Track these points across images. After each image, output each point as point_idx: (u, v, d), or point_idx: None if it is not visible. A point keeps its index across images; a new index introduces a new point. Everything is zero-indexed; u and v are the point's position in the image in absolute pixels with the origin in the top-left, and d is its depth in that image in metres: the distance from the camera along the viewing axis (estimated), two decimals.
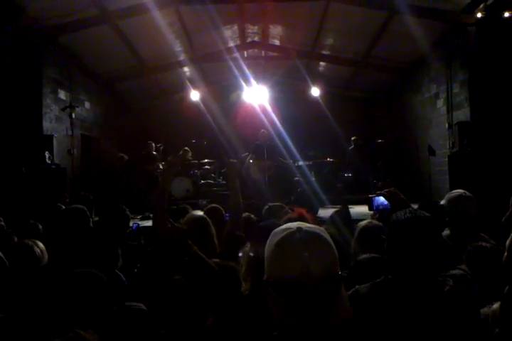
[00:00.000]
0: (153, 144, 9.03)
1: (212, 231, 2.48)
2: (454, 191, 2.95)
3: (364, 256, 2.34)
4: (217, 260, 2.32)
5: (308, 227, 1.11)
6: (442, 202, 3.02)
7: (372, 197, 2.07)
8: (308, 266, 1.02)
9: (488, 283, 2.17)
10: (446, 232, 2.90)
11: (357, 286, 1.68)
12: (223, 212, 3.59)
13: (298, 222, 1.15)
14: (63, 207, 4.28)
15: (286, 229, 1.11)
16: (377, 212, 2.04)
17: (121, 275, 2.45)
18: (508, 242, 2.14)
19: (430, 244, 1.60)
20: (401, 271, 1.61)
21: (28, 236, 3.30)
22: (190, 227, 2.43)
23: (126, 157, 9.59)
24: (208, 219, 2.56)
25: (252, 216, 3.54)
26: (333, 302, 1.04)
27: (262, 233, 1.84)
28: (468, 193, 2.87)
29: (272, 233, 1.13)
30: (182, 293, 2.14)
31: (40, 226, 3.68)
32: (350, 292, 1.66)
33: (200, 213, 2.62)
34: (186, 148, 10.22)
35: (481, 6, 7.01)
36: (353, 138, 10.81)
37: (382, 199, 2.04)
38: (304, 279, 1.02)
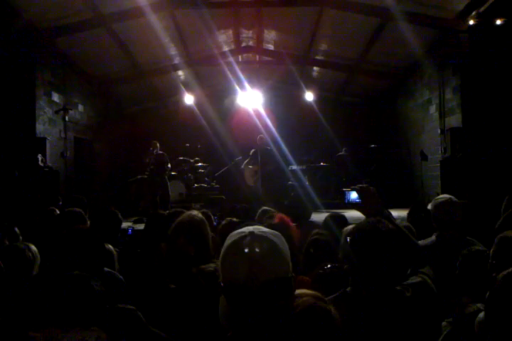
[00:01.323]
0: (158, 144, 8.98)
1: (209, 232, 2.49)
2: (440, 196, 2.95)
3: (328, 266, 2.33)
4: (213, 265, 2.32)
5: (262, 232, 1.12)
6: (429, 208, 3.02)
7: (345, 191, 2.10)
8: (253, 270, 1.03)
9: (482, 286, 2.19)
10: (433, 237, 2.91)
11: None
12: (212, 217, 3.61)
13: (255, 226, 1.16)
14: (57, 210, 4.26)
15: (240, 232, 1.13)
16: (349, 205, 2.07)
17: (121, 277, 2.45)
18: (492, 250, 2.17)
19: (389, 257, 1.58)
20: (360, 281, 1.61)
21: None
22: (188, 227, 2.44)
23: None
24: (205, 219, 2.57)
25: (234, 219, 3.53)
26: (281, 305, 1.05)
27: None
28: (454, 198, 2.87)
29: (228, 236, 1.14)
30: (172, 299, 2.14)
31: (17, 229, 3.66)
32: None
33: (197, 213, 2.63)
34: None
35: (474, 13, 7.10)
36: (344, 149, 11.00)
37: (354, 194, 2.05)
38: (249, 283, 1.02)
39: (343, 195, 2.14)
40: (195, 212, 2.53)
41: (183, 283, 2.20)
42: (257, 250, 1.07)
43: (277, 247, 1.10)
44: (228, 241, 1.12)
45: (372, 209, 1.93)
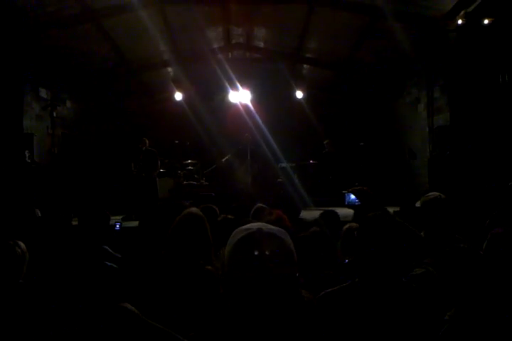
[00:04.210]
0: (147, 141, 8.90)
1: (208, 228, 2.50)
2: (429, 194, 2.89)
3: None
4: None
5: (270, 229, 1.11)
6: (417, 205, 3.01)
7: (345, 193, 2.18)
8: (262, 267, 1.02)
9: (463, 284, 2.21)
10: (421, 235, 2.92)
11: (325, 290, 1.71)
12: (217, 212, 3.62)
13: (262, 223, 1.15)
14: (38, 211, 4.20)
15: (247, 229, 1.11)
16: (349, 206, 2.14)
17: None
18: (484, 246, 2.20)
19: (396, 245, 1.65)
20: (368, 271, 1.65)
21: None
22: (188, 223, 2.45)
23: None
24: (204, 216, 2.59)
25: (229, 216, 3.55)
26: (286, 303, 1.05)
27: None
28: (443, 195, 2.83)
29: (234, 232, 1.13)
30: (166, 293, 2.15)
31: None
32: (319, 296, 1.69)
33: (197, 210, 2.64)
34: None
35: (462, 13, 7.16)
36: (325, 142, 10.51)
37: (353, 196, 2.13)
38: (256, 280, 1.02)
39: (343, 197, 2.20)
40: (194, 210, 2.55)
41: (185, 280, 2.21)
42: (267, 247, 1.05)
43: (285, 245, 1.09)
44: (235, 237, 1.10)
45: (370, 208, 1.99)
